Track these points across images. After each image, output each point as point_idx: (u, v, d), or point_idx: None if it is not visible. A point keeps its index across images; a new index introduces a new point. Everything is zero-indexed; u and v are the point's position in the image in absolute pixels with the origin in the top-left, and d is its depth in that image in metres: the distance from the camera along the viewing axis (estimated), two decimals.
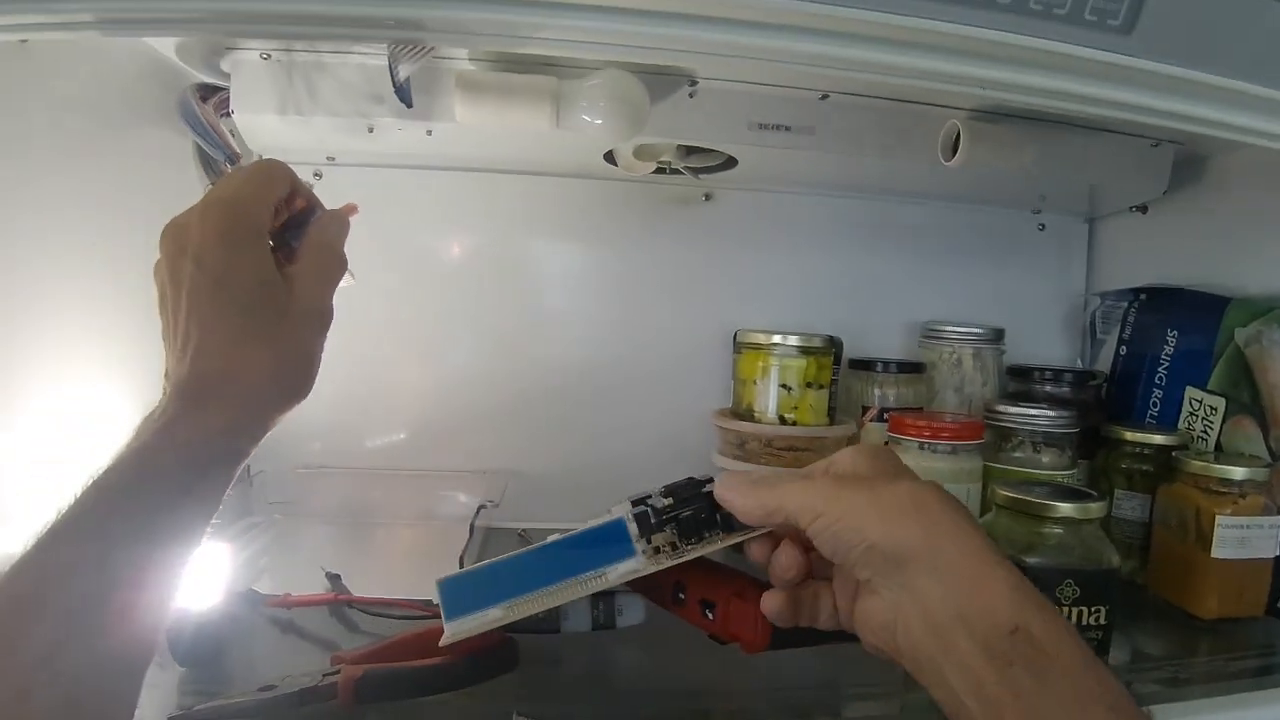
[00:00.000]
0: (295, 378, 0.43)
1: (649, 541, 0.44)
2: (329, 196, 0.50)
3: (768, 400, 0.79)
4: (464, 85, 0.68)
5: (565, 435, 0.93)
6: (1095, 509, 0.55)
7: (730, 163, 0.84)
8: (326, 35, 0.64)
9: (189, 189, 0.79)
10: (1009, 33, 0.43)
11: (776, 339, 0.79)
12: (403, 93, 0.63)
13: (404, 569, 0.79)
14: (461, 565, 0.67)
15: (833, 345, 0.81)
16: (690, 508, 0.44)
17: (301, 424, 0.46)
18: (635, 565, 0.43)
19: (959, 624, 0.35)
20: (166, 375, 0.43)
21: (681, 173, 0.85)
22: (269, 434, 0.43)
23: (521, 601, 0.43)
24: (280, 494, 0.88)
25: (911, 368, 0.85)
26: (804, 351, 0.78)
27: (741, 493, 0.42)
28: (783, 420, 0.78)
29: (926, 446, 0.70)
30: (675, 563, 0.43)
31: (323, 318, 0.45)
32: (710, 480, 0.45)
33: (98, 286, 0.68)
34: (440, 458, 0.90)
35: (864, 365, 0.85)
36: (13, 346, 0.59)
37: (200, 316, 0.41)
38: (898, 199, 0.94)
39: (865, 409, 0.84)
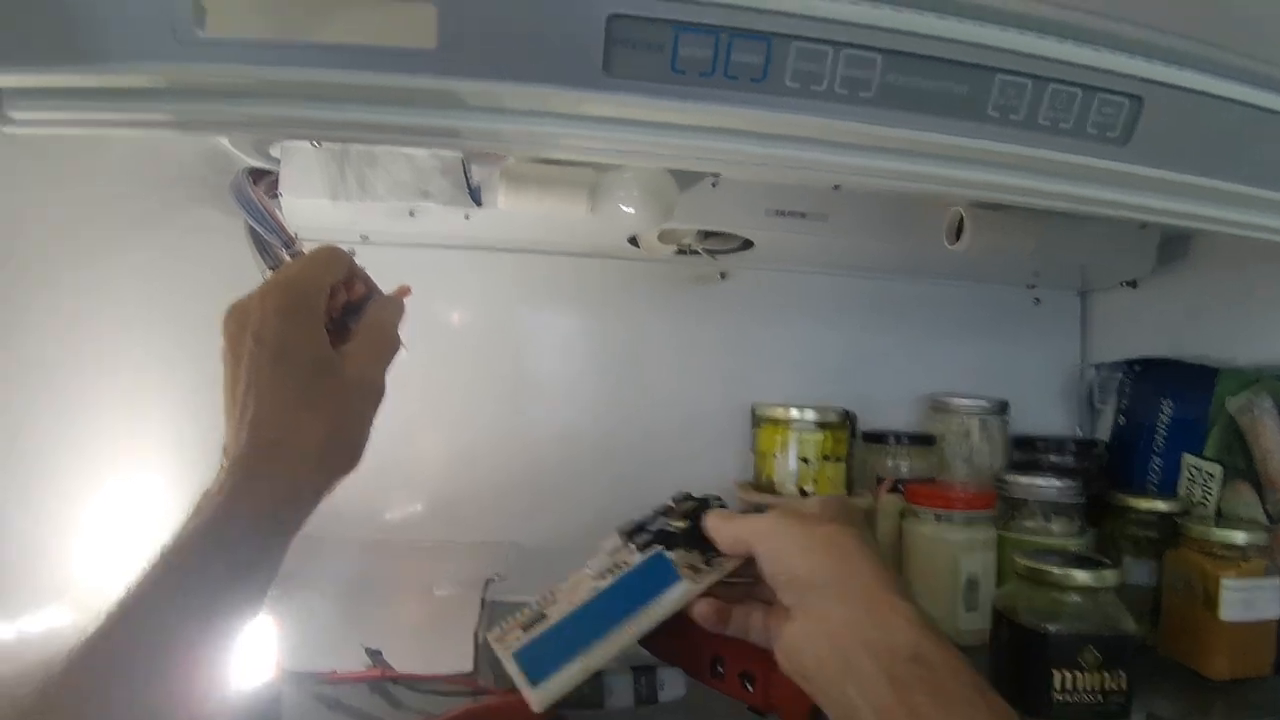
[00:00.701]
0: (347, 448, 0.45)
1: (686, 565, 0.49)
2: None
3: (787, 473, 0.82)
4: (509, 176, 0.73)
5: (583, 508, 0.93)
6: (1111, 577, 0.59)
7: (747, 245, 0.89)
8: (373, 140, 0.69)
9: (241, 268, 0.83)
10: (1016, 145, 0.48)
11: (794, 413, 0.83)
12: (475, 194, 0.68)
13: (414, 643, 0.77)
14: (477, 641, 0.69)
15: (847, 419, 0.85)
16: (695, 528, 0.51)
17: None
18: (684, 589, 0.48)
19: (863, 649, 0.39)
20: (225, 450, 0.44)
21: (700, 254, 0.90)
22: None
23: (595, 650, 0.46)
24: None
25: (923, 440, 0.89)
26: (820, 425, 0.82)
27: (718, 526, 0.50)
28: (802, 492, 0.82)
29: (942, 517, 0.74)
30: (716, 578, 0.49)
31: (374, 392, 0.47)
32: (700, 500, 0.54)
33: (154, 359, 0.71)
34: (452, 529, 0.92)
35: (878, 438, 0.89)
36: (76, 414, 0.62)
37: (258, 389, 0.43)
38: (905, 277, 1.00)
39: (880, 480, 0.87)
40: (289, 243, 0.74)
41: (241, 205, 0.76)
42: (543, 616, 0.51)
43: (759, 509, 0.53)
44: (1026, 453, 0.93)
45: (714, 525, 0.50)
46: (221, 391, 0.46)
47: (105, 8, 0.47)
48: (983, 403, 0.92)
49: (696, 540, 0.51)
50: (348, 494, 0.65)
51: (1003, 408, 0.93)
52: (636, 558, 0.52)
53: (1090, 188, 0.53)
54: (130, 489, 0.66)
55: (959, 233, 0.78)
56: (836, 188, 0.80)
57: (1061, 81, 0.47)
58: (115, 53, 0.48)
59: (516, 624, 0.52)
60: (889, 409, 0.97)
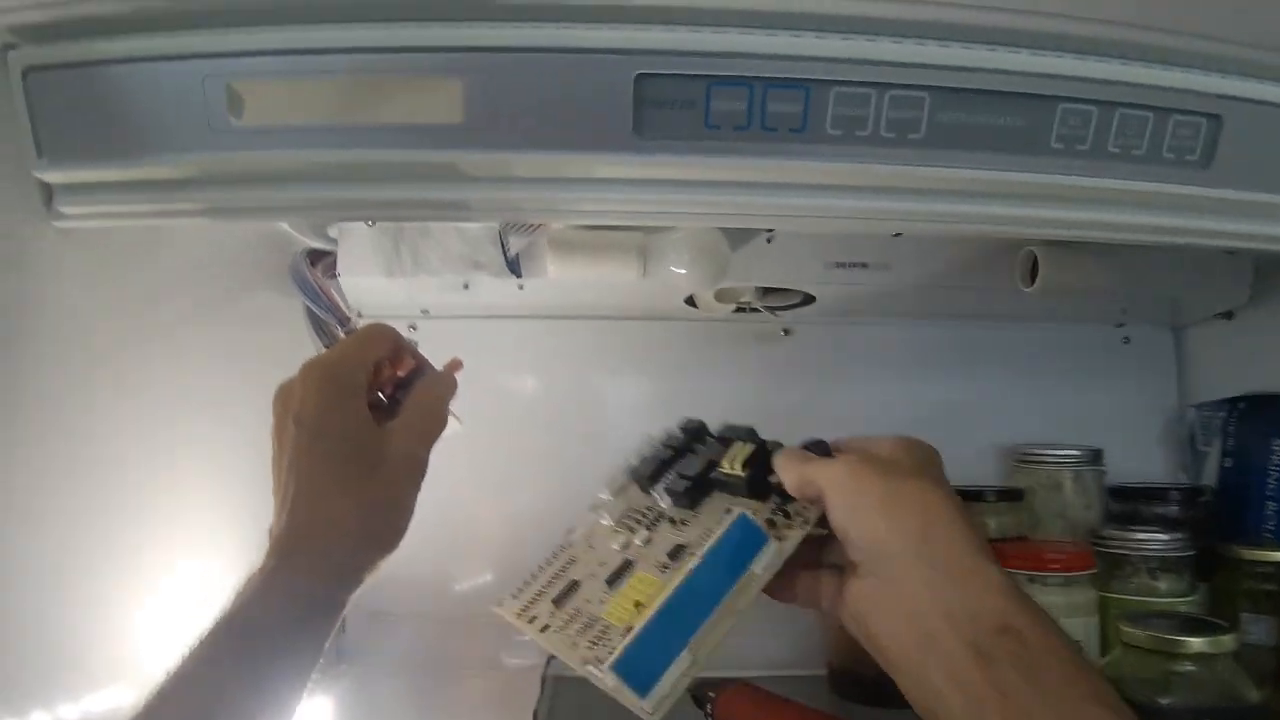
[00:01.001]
0: (385, 526, 0.44)
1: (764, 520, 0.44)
2: (422, 348, 0.52)
3: None
4: (556, 244, 0.73)
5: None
6: (1229, 641, 0.53)
7: (808, 300, 0.86)
8: (407, 216, 0.69)
9: (301, 350, 0.84)
10: (1085, 177, 0.45)
11: None
12: (514, 266, 0.67)
13: None
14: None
15: None
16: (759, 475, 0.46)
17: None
18: (774, 551, 0.42)
19: (945, 620, 0.35)
20: (269, 531, 0.44)
21: (760, 311, 0.88)
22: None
23: (699, 637, 0.40)
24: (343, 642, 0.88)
25: (1010, 495, 0.83)
26: None
27: (788, 466, 0.44)
28: None
29: (1036, 580, 0.68)
30: (801, 535, 0.43)
31: (415, 470, 0.46)
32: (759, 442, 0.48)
33: (215, 443, 0.71)
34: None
35: (960, 495, 0.83)
36: (142, 496, 0.63)
37: (298, 470, 0.43)
38: (979, 322, 0.95)
39: None
40: (344, 321, 0.75)
41: (298, 285, 0.78)
42: (575, 584, 0.47)
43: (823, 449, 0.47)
44: (1125, 504, 0.85)
45: (784, 465, 0.45)
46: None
47: (144, 103, 0.49)
48: (1074, 452, 0.86)
49: (758, 486, 0.46)
50: (418, 568, 0.66)
51: (1096, 456, 0.87)
52: (695, 515, 0.47)
53: (1170, 216, 0.49)
54: (194, 570, 0.67)
55: (1033, 274, 0.74)
56: (898, 235, 0.77)
57: (1131, 105, 0.44)
58: (154, 146, 0.50)
59: (543, 597, 0.48)
60: (971, 464, 0.91)
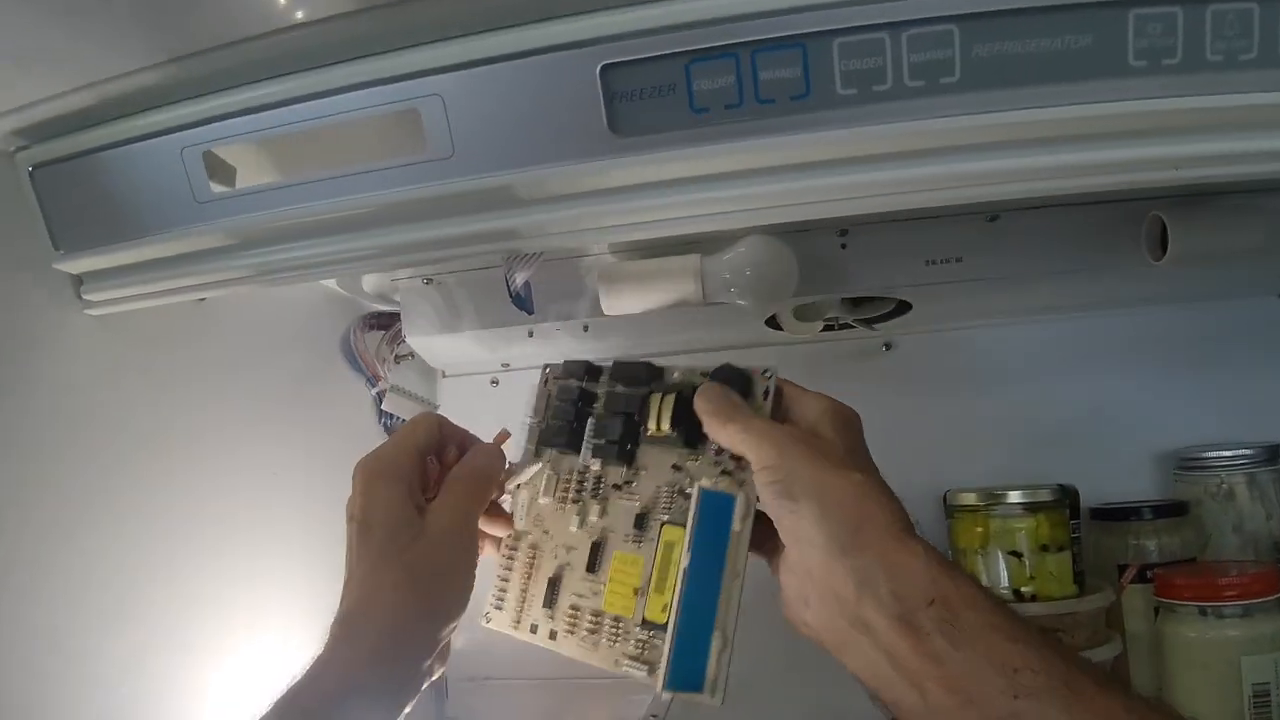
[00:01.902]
0: (433, 595, 0.44)
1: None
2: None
3: (997, 573, 0.66)
4: (605, 278, 0.68)
5: (754, 629, 0.83)
6: None
7: (903, 307, 0.76)
8: (404, 262, 0.67)
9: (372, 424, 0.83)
10: (1180, 97, 0.35)
11: (994, 497, 0.68)
12: (520, 300, 0.63)
13: None
14: None
15: (1066, 495, 0.68)
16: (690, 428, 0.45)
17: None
18: (743, 503, 0.43)
19: (874, 604, 0.37)
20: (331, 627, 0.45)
21: (852, 326, 0.79)
22: None
23: (720, 617, 0.42)
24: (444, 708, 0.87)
25: (1173, 510, 0.69)
26: (1030, 508, 0.66)
27: (713, 427, 0.44)
28: (1019, 595, 0.66)
29: (1211, 610, 0.56)
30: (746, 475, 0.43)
31: (457, 539, 0.46)
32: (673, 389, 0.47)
33: (288, 523, 0.71)
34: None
35: (1111, 514, 0.71)
36: (215, 574, 0.63)
37: (352, 558, 0.45)
38: (1109, 310, 0.80)
39: (1123, 568, 0.69)
40: (373, 380, 0.74)
41: (343, 350, 0.76)
42: (556, 580, 0.48)
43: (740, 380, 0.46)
44: None
45: (711, 426, 0.44)
46: None
47: (134, 183, 0.49)
48: (1246, 451, 0.71)
49: (692, 436, 0.46)
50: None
51: (1274, 454, 0.71)
52: (635, 471, 0.47)
53: None
54: (262, 653, 0.66)
55: (1163, 243, 0.62)
56: (993, 219, 0.67)
57: None
58: (148, 225, 0.50)
59: (529, 601, 0.49)
60: (1121, 477, 0.77)
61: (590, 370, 0.51)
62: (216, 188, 0.47)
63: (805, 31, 0.35)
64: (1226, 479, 0.71)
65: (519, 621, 0.49)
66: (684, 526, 0.43)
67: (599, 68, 0.37)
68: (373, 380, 0.74)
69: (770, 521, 0.41)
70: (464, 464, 0.49)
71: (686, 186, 0.40)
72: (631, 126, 0.38)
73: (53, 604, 0.51)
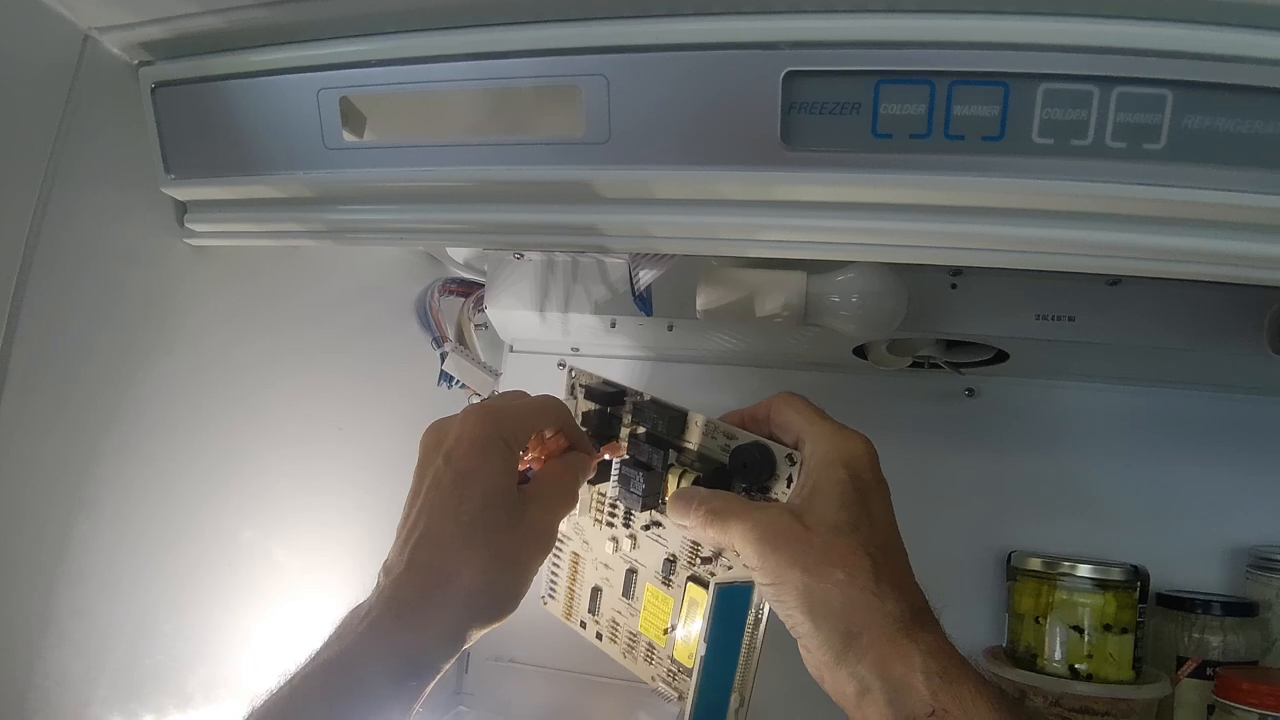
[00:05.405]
0: (504, 591, 0.42)
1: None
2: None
3: (1054, 645, 0.64)
4: (708, 280, 0.65)
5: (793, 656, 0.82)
6: None
7: (1000, 356, 0.74)
8: (523, 245, 0.66)
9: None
10: None
11: (1065, 567, 0.66)
12: (642, 302, 0.61)
13: None
14: None
15: (1137, 577, 0.66)
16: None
17: None
18: (759, 594, 0.44)
19: (874, 706, 0.36)
20: (384, 567, 0.43)
21: (941, 367, 0.76)
22: None
23: (740, 682, 0.44)
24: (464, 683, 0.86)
25: (1242, 608, 0.67)
26: (1101, 585, 0.64)
27: (688, 526, 0.43)
28: (1074, 672, 0.63)
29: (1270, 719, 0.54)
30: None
31: (546, 538, 0.45)
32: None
33: (347, 469, 0.71)
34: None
35: (1177, 604, 0.69)
36: (269, 521, 0.64)
37: (432, 509, 0.42)
38: (1212, 391, 0.77)
39: (1182, 661, 0.67)
40: (439, 340, 0.73)
41: (415, 306, 0.75)
42: (597, 590, 0.52)
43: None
44: None
45: (686, 529, 0.44)
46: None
47: (262, 119, 0.48)
48: None
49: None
50: (553, 616, 0.62)
51: None
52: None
53: None
54: (310, 600, 0.66)
55: None
56: (1114, 283, 0.65)
57: None
58: (270, 163, 0.49)
59: (575, 601, 0.53)
60: (1193, 566, 0.74)
61: (615, 398, 0.52)
62: (349, 136, 0.46)
63: (1011, 71, 0.33)
64: None
65: (570, 614, 0.53)
66: (706, 588, 0.45)
67: (783, 74, 0.35)
68: (439, 340, 0.73)
69: None
70: (567, 467, 0.48)
71: (849, 212, 0.38)
72: (806, 140, 0.36)
73: (121, 523, 0.51)
